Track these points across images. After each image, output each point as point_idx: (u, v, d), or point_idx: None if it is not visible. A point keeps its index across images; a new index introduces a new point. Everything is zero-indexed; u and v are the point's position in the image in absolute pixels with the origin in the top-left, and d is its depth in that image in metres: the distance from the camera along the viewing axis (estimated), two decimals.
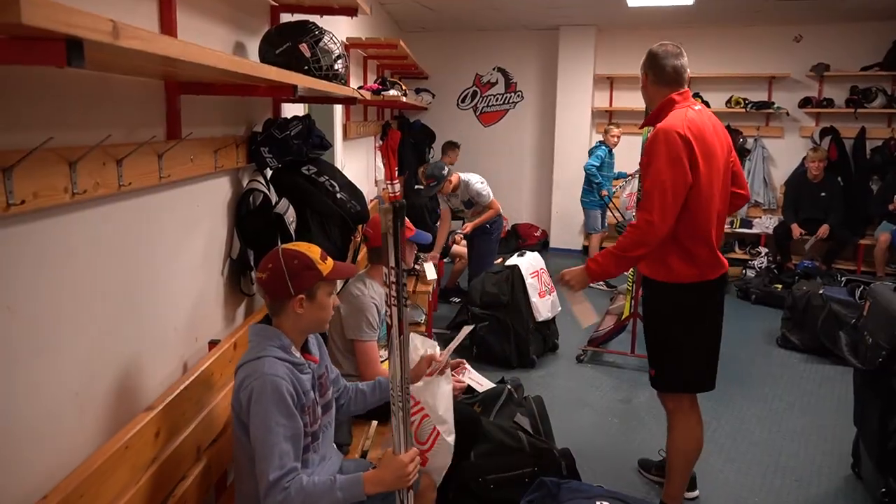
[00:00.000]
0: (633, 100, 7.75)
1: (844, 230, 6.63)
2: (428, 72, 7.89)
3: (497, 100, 8.34)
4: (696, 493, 2.93)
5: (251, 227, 2.44)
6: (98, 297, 1.62)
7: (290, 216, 2.62)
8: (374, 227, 2.76)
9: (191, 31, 2.07)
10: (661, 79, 2.58)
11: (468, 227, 5.26)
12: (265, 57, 2.43)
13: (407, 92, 5.44)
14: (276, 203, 2.58)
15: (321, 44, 2.46)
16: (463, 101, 8.42)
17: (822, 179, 6.67)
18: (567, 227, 8.11)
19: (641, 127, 3.28)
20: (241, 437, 1.67)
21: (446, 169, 5.04)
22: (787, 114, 7.27)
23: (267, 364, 1.65)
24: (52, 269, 1.44)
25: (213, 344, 2.15)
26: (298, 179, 2.66)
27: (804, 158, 7.01)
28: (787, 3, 6.00)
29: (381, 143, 6.31)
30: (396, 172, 5.81)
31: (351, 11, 2.88)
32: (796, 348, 4.87)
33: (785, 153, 7.42)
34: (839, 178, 6.88)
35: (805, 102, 7.19)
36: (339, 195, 2.72)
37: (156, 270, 1.91)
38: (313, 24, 2.47)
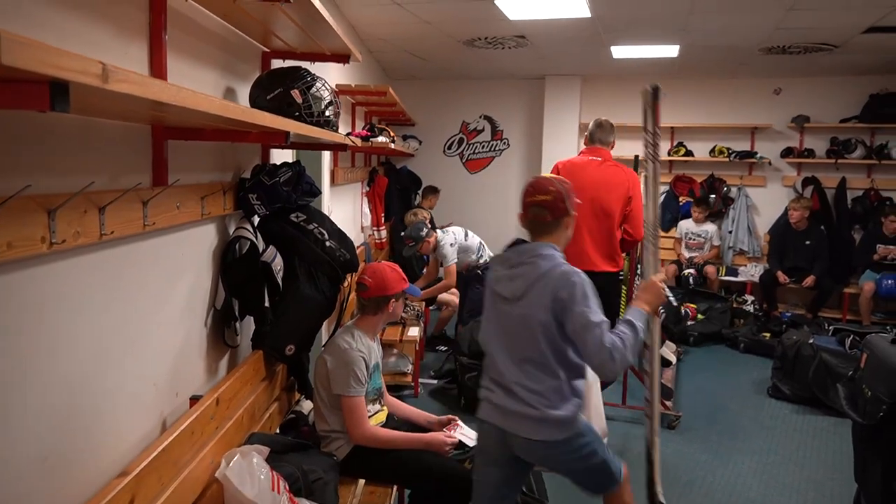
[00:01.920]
0: (619, 148, 7.78)
1: (829, 279, 6.67)
2: (415, 119, 7.93)
3: (483, 147, 8.39)
4: None
5: (237, 275, 2.36)
6: (73, 352, 1.52)
7: (278, 264, 2.54)
8: (374, 276, 2.67)
9: (181, 75, 2.02)
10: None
11: (425, 292, 5.03)
12: (256, 102, 2.38)
13: (395, 138, 5.44)
14: (264, 251, 2.51)
15: (313, 90, 2.43)
16: (449, 147, 8.46)
17: (807, 228, 6.74)
18: None
19: None
20: (550, 333, 2.04)
21: (424, 230, 4.99)
22: (770, 163, 7.38)
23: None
24: (24, 324, 1.34)
25: (194, 400, 2.04)
26: (286, 227, 2.59)
27: (787, 207, 7.10)
28: (767, 58, 6.14)
29: (367, 189, 6.28)
30: (383, 218, 5.82)
31: (343, 58, 2.86)
32: (787, 398, 4.81)
33: (768, 202, 7.49)
34: (822, 227, 6.96)
35: (787, 152, 7.31)
36: (328, 243, 2.65)
37: (136, 323, 1.81)
38: (305, 70, 2.44)
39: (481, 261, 5.16)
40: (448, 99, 8.28)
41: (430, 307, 6.06)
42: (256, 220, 2.58)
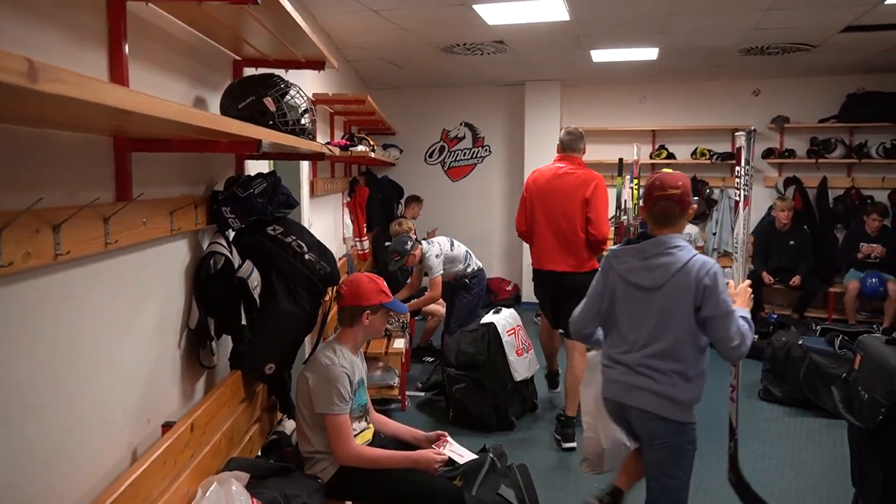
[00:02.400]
0: (601, 152, 7.78)
1: (814, 278, 6.66)
2: (395, 128, 7.85)
3: (465, 154, 8.33)
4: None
5: (211, 293, 2.25)
6: (31, 382, 1.40)
7: (255, 279, 2.44)
8: (350, 284, 2.58)
9: (146, 84, 1.92)
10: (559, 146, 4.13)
11: (411, 304, 5.05)
12: (227, 112, 2.28)
13: (375, 147, 5.35)
14: (240, 266, 2.40)
15: (287, 97, 2.33)
16: (431, 156, 8.39)
17: (790, 228, 6.72)
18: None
19: None
20: (689, 318, 2.27)
21: (409, 243, 4.89)
22: (751, 164, 7.36)
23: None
24: None
25: (167, 427, 1.92)
26: (263, 240, 2.48)
27: (770, 208, 7.09)
28: (745, 59, 6.14)
29: (348, 199, 6.17)
30: (365, 229, 5.69)
31: (318, 65, 2.77)
32: (779, 401, 4.77)
33: (754, 203, 7.47)
34: (805, 227, 6.96)
35: (768, 153, 7.31)
36: (307, 256, 2.54)
37: (101, 347, 1.70)
38: (278, 77, 2.34)
39: (468, 269, 5.07)
40: (428, 107, 8.22)
41: (416, 317, 5.96)
42: (232, 234, 2.47)
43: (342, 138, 4.95)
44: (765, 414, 4.62)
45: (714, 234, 7.49)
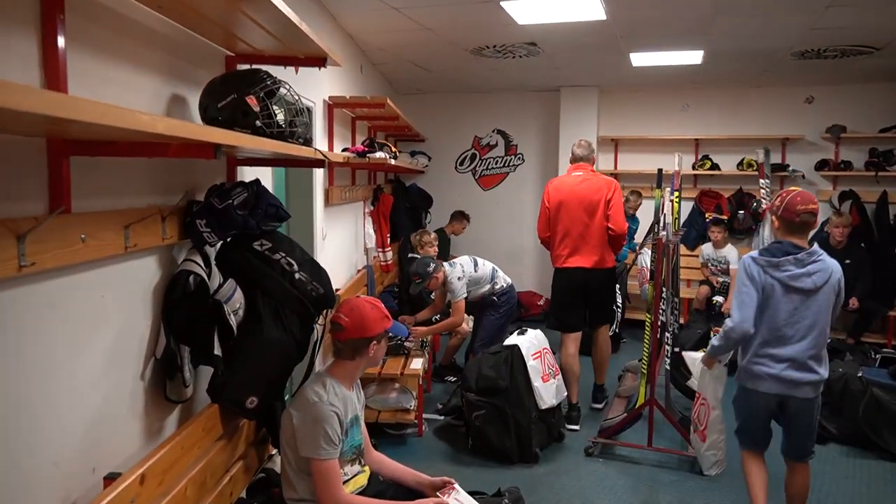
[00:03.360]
0: (639, 161, 7.41)
1: (872, 301, 6.14)
2: (424, 134, 7.57)
3: (497, 163, 8.00)
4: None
5: (184, 317, 1.98)
6: None
7: (237, 301, 2.16)
8: (352, 314, 2.25)
9: (98, 80, 1.66)
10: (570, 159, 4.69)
11: (419, 331, 4.62)
12: (207, 112, 2.02)
13: (397, 154, 5.07)
14: (220, 285, 2.12)
15: (276, 97, 2.05)
16: (461, 164, 8.08)
17: (846, 246, 6.20)
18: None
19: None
20: (829, 312, 2.85)
21: (432, 265, 4.56)
22: (803, 176, 6.88)
23: None
24: None
25: (109, 479, 1.63)
26: (248, 256, 2.20)
27: (824, 224, 6.59)
28: (798, 63, 5.69)
29: (371, 208, 5.91)
30: (389, 239, 5.34)
31: (319, 62, 2.49)
32: (834, 439, 4.30)
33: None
34: (862, 245, 6.44)
35: (822, 165, 6.81)
36: (297, 275, 2.26)
37: (25, 389, 1.43)
38: (265, 73, 2.07)
39: (496, 287, 4.74)
40: (459, 113, 7.92)
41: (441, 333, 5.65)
42: (211, 250, 2.20)
43: (362, 144, 4.67)
44: (819, 454, 4.12)
45: None
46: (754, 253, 2.91)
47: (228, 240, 2.21)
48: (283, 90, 2.11)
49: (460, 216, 7.16)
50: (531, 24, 4.51)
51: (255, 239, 2.23)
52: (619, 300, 6.39)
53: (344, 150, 4.51)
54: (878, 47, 5.03)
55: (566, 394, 4.25)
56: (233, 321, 2.01)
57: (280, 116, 2.05)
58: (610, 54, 5.55)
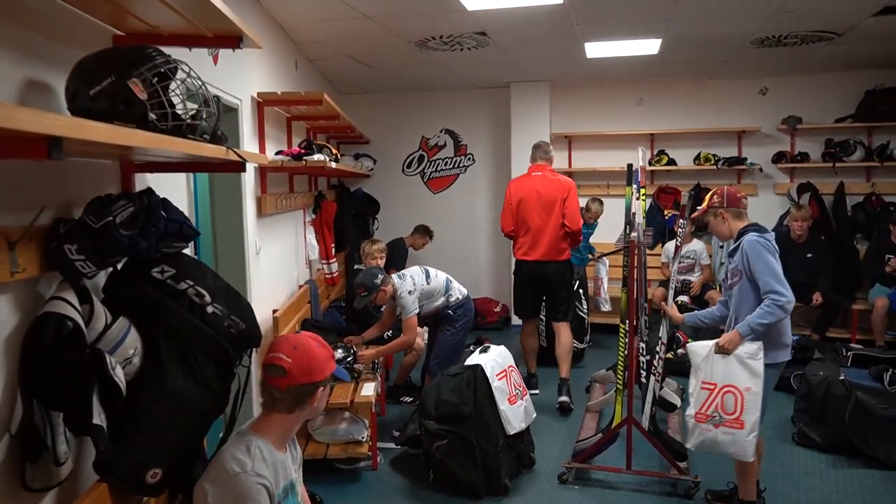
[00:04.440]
0: (594, 159, 7.13)
1: (835, 295, 5.98)
2: (368, 136, 7.11)
3: (446, 164, 7.59)
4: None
5: (52, 374, 1.48)
6: None
7: (131, 346, 1.67)
8: (297, 354, 1.77)
9: None
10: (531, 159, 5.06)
11: (367, 354, 4.16)
12: (76, 100, 1.54)
13: (339, 157, 4.60)
14: (108, 326, 1.63)
15: (170, 81, 1.58)
16: (409, 166, 7.65)
17: (807, 240, 6.04)
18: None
19: None
20: None
21: (380, 277, 4.08)
22: (761, 169, 6.71)
23: None
24: None
25: None
26: (145, 288, 1.73)
27: (782, 217, 6.44)
28: (755, 52, 5.47)
29: (313, 216, 5.41)
30: (333, 249, 4.75)
31: (232, 41, 2.02)
32: (819, 447, 4.04)
33: (761, 212, 6.71)
34: (823, 238, 6.29)
35: (778, 157, 6.65)
36: (210, 308, 1.78)
37: None
38: (156, 50, 1.60)
39: (451, 299, 4.28)
40: (405, 113, 7.49)
41: None
42: (95, 282, 1.70)
43: (299, 146, 4.20)
44: (802, 463, 3.89)
45: (721, 246, 6.76)
46: (755, 235, 3.00)
47: (119, 267, 1.72)
48: (180, 73, 1.64)
49: (423, 231, 6.74)
50: (481, 9, 4.12)
51: (153, 265, 1.74)
52: (584, 308, 6.09)
53: (278, 153, 4.02)
54: (840, 32, 4.83)
55: (534, 415, 3.86)
56: (118, 376, 1.52)
57: (179, 107, 1.59)
58: (564, 44, 5.21)
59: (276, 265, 4.32)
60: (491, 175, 7.47)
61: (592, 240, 6.34)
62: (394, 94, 7.38)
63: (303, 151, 3.94)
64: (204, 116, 1.70)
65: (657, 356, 3.67)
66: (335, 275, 5.57)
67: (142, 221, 1.59)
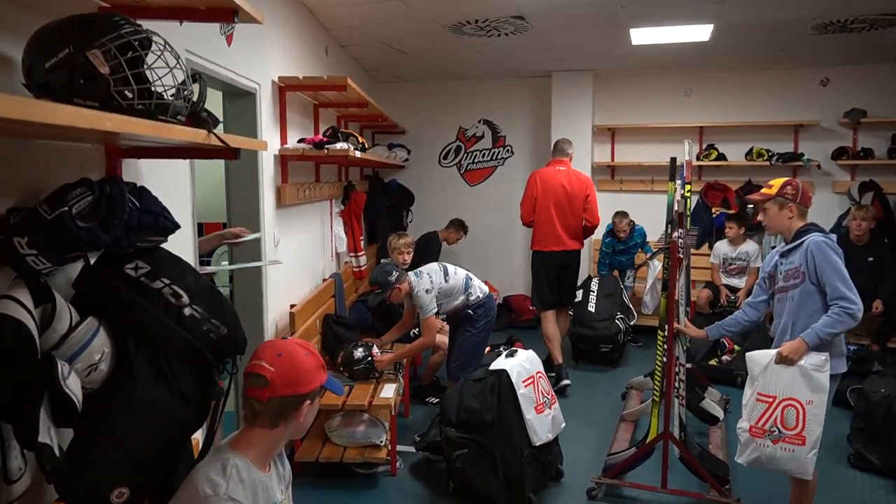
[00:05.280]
0: (638, 153, 6.79)
1: None
2: (404, 125, 6.92)
3: (484, 156, 7.35)
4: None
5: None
6: None
7: (98, 349, 1.50)
8: (280, 363, 1.58)
9: None
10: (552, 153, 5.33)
11: (384, 359, 3.93)
12: (31, 72, 1.37)
13: (365, 145, 4.41)
14: (72, 328, 1.46)
15: (141, 55, 1.40)
16: (445, 157, 7.43)
17: (868, 241, 5.60)
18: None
19: None
20: None
21: (394, 274, 3.87)
22: (819, 166, 6.26)
23: None
24: None
25: None
26: (116, 286, 1.55)
27: (842, 217, 5.99)
28: (816, 39, 5.06)
29: (341, 208, 5.25)
30: (362, 242, 4.54)
31: (226, 14, 1.83)
32: (877, 471, 3.69)
33: (818, 211, 6.21)
34: (886, 241, 5.83)
35: (839, 153, 6.20)
36: (188, 310, 1.60)
37: None
38: (123, 19, 1.42)
39: (471, 298, 4.04)
40: (442, 102, 7.26)
41: None
42: (64, 277, 1.54)
43: (323, 134, 4.02)
44: (861, 490, 3.55)
45: (773, 247, 6.34)
46: (821, 235, 2.79)
47: (90, 265, 1.55)
48: (153, 48, 1.45)
49: (459, 226, 6.53)
50: None
51: (126, 261, 1.57)
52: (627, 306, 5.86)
53: (300, 140, 3.85)
54: None
55: (563, 425, 3.61)
56: (70, 387, 1.34)
57: (155, 85, 1.40)
58: (608, 30, 4.91)
59: (298, 258, 4.17)
60: (529, 168, 7.15)
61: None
62: (430, 82, 7.17)
63: (325, 140, 3.76)
64: (184, 95, 1.51)
65: (676, 378, 3.36)
66: (363, 268, 5.41)
67: (103, 212, 1.41)
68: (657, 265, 5.67)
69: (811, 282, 2.76)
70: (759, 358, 2.83)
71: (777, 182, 2.96)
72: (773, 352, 2.79)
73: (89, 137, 1.65)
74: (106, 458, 1.49)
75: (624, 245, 6.33)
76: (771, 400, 2.77)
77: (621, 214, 6.25)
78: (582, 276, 6.40)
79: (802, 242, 2.81)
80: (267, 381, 1.56)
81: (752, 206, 6.38)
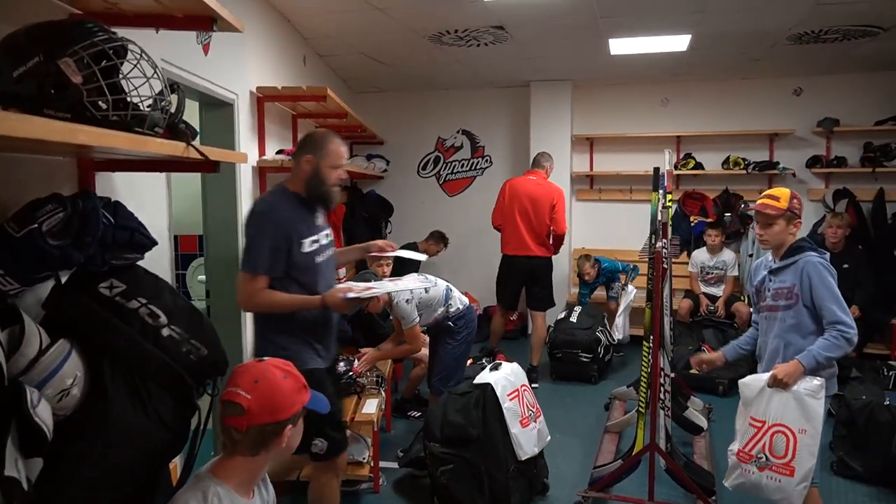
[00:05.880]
0: (616, 162, 6.82)
1: (875, 309, 5.60)
2: (382, 136, 6.88)
3: (462, 166, 7.33)
4: None
5: None
6: None
7: (70, 373, 1.43)
8: (257, 388, 1.50)
9: None
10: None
11: (364, 360, 3.90)
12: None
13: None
14: (43, 350, 1.38)
15: (116, 64, 1.34)
16: (424, 167, 7.40)
17: (843, 249, 5.67)
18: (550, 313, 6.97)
19: None
20: None
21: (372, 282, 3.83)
22: (794, 174, 6.35)
23: None
24: None
25: None
26: (91, 306, 1.48)
27: (816, 225, 6.06)
28: (791, 49, 5.13)
29: None
30: None
31: (205, 23, 1.77)
32: (860, 478, 3.70)
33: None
34: (860, 247, 5.92)
35: (813, 161, 6.28)
36: (165, 331, 1.54)
37: None
38: (99, 26, 1.35)
39: (451, 310, 3.98)
40: (421, 113, 7.24)
41: (400, 361, 4.95)
42: (34, 297, 1.46)
43: None
44: (843, 496, 3.56)
45: (750, 255, 6.41)
46: (816, 256, 2.65)
47: (60, 284, 1.48)
48: (129, 56, 1.39)
49: (439, 238, 6.46)
50: (498, 0, 3.84)
51: (101, 279, 1.50)
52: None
53: (279, 152, 3.79)
54: (886, 27, 4.48)
55: (549, 438, 3.57)
56: (40, 416, 1.27)
57: (133, 94, 1.34)
58: (587, 40, 4.93)
59: None
60: (508, 177, 7.18)
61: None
62: (409, 92, 7.14)
63: None
64: (161, 106, 1.45)
65: (662, 388, 3.34)
66: (340, 279, 5.32)
67: (75, 229, 1.34)
68: (632, 291, 5.66)
69: (804, 304, 2.63)
70: (752, 383, 2.69)
71: (783, 194, 2.74)
72: (765, 376, 2.64)
73: (61, 150, 1.58)
74: (79, 488, 1.41)
75: (592, 286, 6.39)
76: (760, 425, 2.62)
77: (584, 258, 6.23)
78: (560, 284, 6.43)
79: (797, 261, 2.66)
80: (244, 409, 1.49)
81: (729, 214, 6.48)
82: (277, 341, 2.50)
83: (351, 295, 2.51)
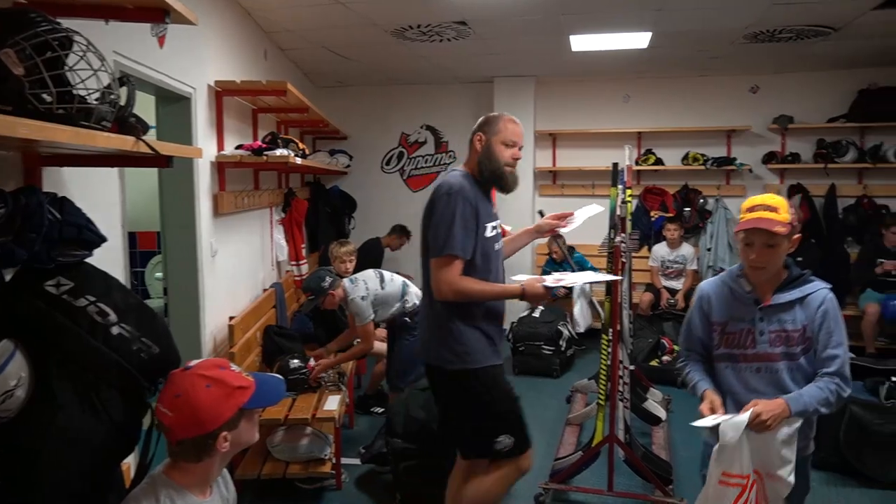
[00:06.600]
0: (578, 157, 6.88)
1: None
2: (346, 131, 6.83)
3: (426, 161, 7.32)
4: None
5: None
6: None
7: (14, 374, 1.39)
8: (176, 403, 1.47)
9: None
10: None
11: (320, 365, 3.84)
12: None
13: (305, 151, 4.31)
14: None
15: (61, 55, 1.30)
16: (388, 163, 7.36)
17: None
18: (512, 307, 7.01)
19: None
20: None
21: (328, 280, 3.81)
22: (750, 170, 6.50)
23: None
24: None
25: None
26: (36, 304, 1.44)
27: None
28: (747, 48, 5.25)
29: (282, 215, 5.12)
30: (304, 250, 4.42)
31: (157, 15, 1.73)
32: (812, 465, 3.80)
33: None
34: (813, 241, 6.11)
35: (769, 157, 6.43)
36: (115, 329, 1.50)
37: None
38: (42, 16, 1.31)
39: (407, 306, 3.97)
40: (384, 108, 7.20)
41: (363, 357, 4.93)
42: None
43: (263, 140, 3.91)
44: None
45: (709, 249, 6.56)
46: (828, 288, 2.08)
47: (6, 279, 1.44)
48: (76, 48, 1.36)
49: (400, 231, 6.46)
50: None
51: (47, 277, 1.46)
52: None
53: (238, 147, 3.73)
54: (837, 27, 4.61)
55: None
56: None
57: (80, 87, 1.31)
58: (549, 37, 4.96)
59: (237, 268, 4.03)
60: None
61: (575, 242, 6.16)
62: (372, 87, 7.10)
63: (265, 146, 3.65)
64: (109, 99, 1.42)
65: (621, 381, 3.40)
66: (304, 276, 5.29)
67: (17, 226, 1.31)
68: (588, 291, 5.71)
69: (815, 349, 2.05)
70: (735, 429, 1.92)
71: (779, 203, 2.03)
72: (745, 417, 1.91)
73: (4, 144, 1.53)
74: (27, 491, 1.38)
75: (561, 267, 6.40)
76: (743, 481, 1.94)
77: (555, 238, 6.24)
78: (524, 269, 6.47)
79: (807, 295, 2.05)
80: (165, 426, 1.49)
81: (688, 209, 6.60)
82: (454, 335, 2.35)
83: (549, 283, 2.37)
